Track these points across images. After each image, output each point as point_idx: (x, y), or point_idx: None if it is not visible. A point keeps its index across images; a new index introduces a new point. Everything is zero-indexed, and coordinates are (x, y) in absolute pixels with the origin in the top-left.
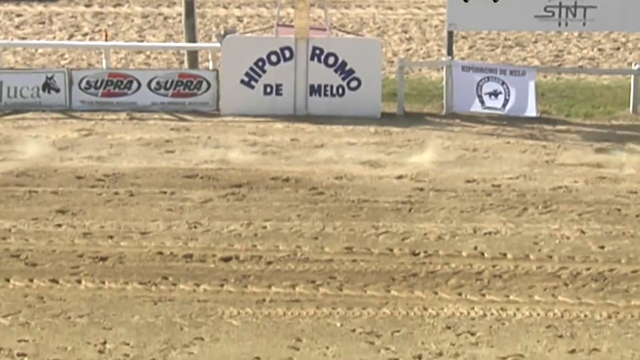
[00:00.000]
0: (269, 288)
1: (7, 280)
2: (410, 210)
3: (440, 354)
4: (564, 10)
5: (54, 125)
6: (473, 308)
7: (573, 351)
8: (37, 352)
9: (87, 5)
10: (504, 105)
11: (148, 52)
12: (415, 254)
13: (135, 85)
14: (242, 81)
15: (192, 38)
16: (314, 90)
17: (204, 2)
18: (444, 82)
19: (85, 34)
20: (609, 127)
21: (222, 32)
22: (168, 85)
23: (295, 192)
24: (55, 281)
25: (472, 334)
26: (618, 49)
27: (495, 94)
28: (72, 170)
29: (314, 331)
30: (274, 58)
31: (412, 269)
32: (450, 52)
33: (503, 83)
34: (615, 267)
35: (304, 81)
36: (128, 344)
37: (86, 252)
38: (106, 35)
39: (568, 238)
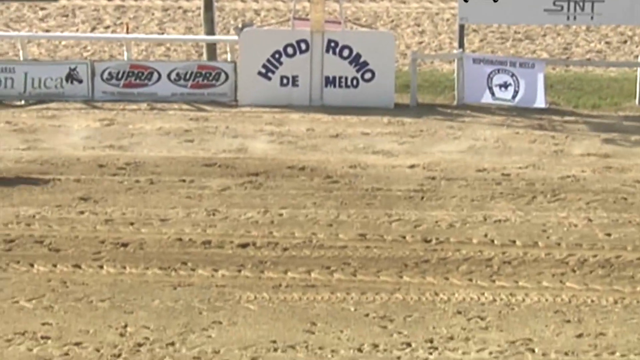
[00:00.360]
0: (285, 273)
1: (32, 265)
2: (422, 198)
3: (451, 338)
4: (572, 4)
5: (76, 115)
6: (483, 293)
7: (580, 335)
8: (60, 335)
9: None
10: (514, 96)
11: (168, 45)
12: (427, 241)
13: (155, 76)
14: (260, 73)
15: (210, 31)
16: (329, 81)
17: None
18: (455, 74)
19: (107, 27)
20: (615, 118)
21: (240, 25)
22: (187, 77)
23: (311, 181)
24: (77, 266)
25: (482, 319)
26: (625, 42)
27: (505, 85)
28: (94, 159)
29: (328, 315)
30: (290, 50)
31: (424, 255)
32: (461, 45)
33: (513, 75)
34: (621, 254)
35: (319, 73)
36: (148, 327)
37: (108, 238)
38: (127, 28)
39: (576, 226)
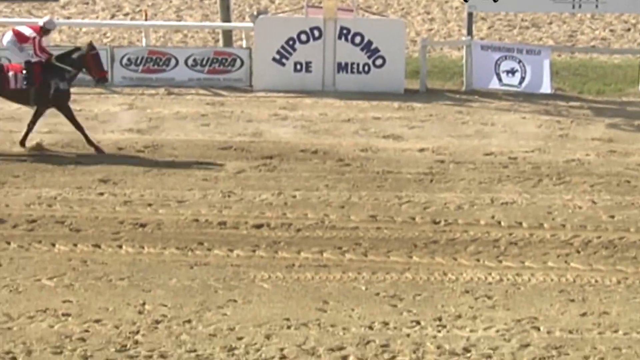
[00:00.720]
0: (298, 254)
1: (53, 244)
2: (431, 181)
3: (459, 316)
4: None
5: (96, 100)
6: (490, 273)
7: (584, 314)
8: (81, 312)
9: None
10: (521, 82)
11: (185, 31)
12: (436, 223)
13: (173, 62)
14: (274, 59)
15: (226, 18)
16: (341, 67)
17: None
18: (464, 61)
19: (127, 14)
20: (619, 103)
21: (255, 13)
22: (204, 63)
23: (323, 164)
24: (97, 246)
25: (489, 298)
26: (629, 30)
27: (512, 71)
28: (113, 142)
29: (340, 294)
30: (303, 37)
31: (433, 236)
32: (470, 32)
33: (520, 61)
34: (624, 236)
35: (332, 59)
36: (165, 305)
37: (127, 218)
38: (146, 15)
39: (580, 208)
